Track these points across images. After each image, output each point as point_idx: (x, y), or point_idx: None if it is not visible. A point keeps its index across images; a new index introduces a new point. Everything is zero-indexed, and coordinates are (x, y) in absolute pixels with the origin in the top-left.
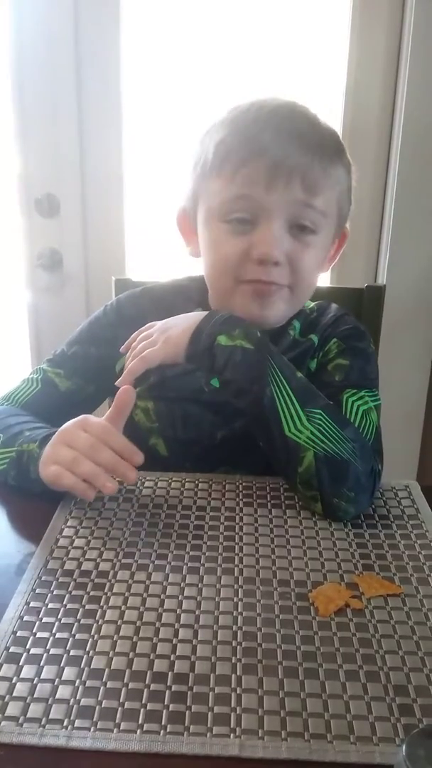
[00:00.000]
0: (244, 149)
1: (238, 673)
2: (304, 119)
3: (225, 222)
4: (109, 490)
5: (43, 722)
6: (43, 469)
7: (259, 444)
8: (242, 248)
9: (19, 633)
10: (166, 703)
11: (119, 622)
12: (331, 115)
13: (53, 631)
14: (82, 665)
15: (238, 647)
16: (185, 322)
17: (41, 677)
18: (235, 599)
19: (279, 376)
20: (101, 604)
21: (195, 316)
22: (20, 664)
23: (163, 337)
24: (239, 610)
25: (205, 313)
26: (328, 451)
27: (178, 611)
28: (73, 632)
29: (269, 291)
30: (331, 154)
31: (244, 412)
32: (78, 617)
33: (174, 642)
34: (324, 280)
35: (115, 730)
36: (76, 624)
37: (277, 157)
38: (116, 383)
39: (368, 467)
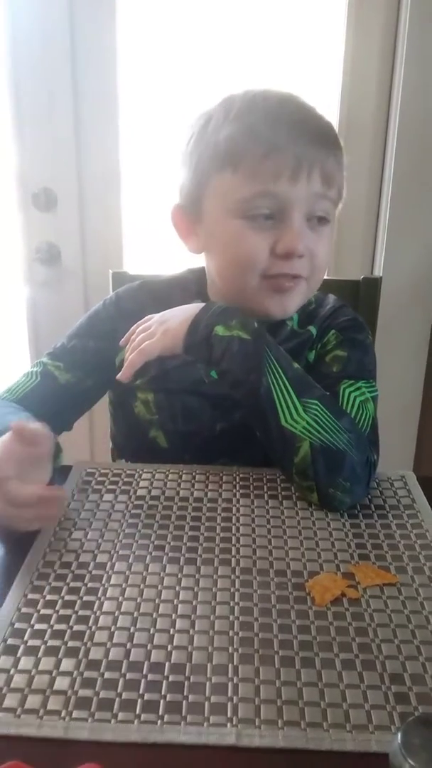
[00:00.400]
0: (262, 145)
1: (234, 663)
2: (309, 112)
3: (244, 218)
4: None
5: (40, 713)
6: None
7: (253, 433)
8: (268, 243)
9: (17, 625)
10: (163, 693)
11: (116, 613)
12: (328, 108)
13: (51, 623)
14: (79, 656)
15: (235, 637)
16: (183, 313)
17: (39, 669)
18: (232, 589)
19: (275, 366)
20: (98, 595)
21: (192, 308)
22: (18, 655)
23: (161, 329)
24: (236, 600)
25: (203, 304)
26: (324, 442)
27: (176, 602)
28: (70, 624)
29: (290, 287)
30: (338, 145)
31: (242, 403)
32: (75, 609)
33: (171, 632)
34: None
35: (113, 721)
36: (73, 615)
37: (299, 151)
38: (117, 377)
39: (364, 457)
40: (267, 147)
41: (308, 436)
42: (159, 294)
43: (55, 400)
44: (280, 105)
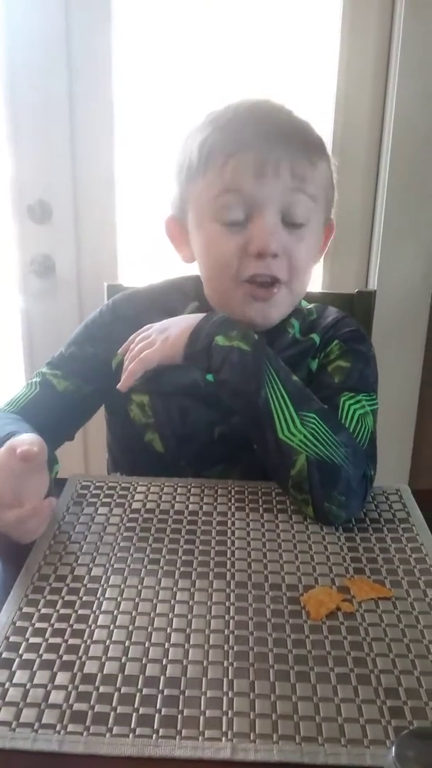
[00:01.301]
0: (228, 144)
1: (230, 677)
2: (282, 114)
3: (218, 222)
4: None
5: (35, 727)
6: None
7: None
8: (239, 245)
9: (11, 638)
10: (158, 707)
11: (112, 627)
12: (322, 119)
13: (46, 637)
14: (74, 670)
15: (230, 651)
16: (184, 322)
17: (34, 682)
18: (227, 603)
19: (274, 378)
20: (94, 609)
21: (193, 317)
22: (13, 669)
23: (161, 338)
24: (231, 614)
25: (204, 314)
26: (320, 455)
27: (171, 615)
28: (65, 637)
29: (269, 293)
30: (314, 145)
31: (240, 414)
32: (70, 622)
33: (166, 646)
34: (315, 285)
35: (108, 735)
36: (68, 629)
37: (264, 149)
38: (117, 387)
39: (360, 472)
40: (233, 146)
41: (305, 450)
42: (156, 298)
43: (55, 410)
44: (252, 108)
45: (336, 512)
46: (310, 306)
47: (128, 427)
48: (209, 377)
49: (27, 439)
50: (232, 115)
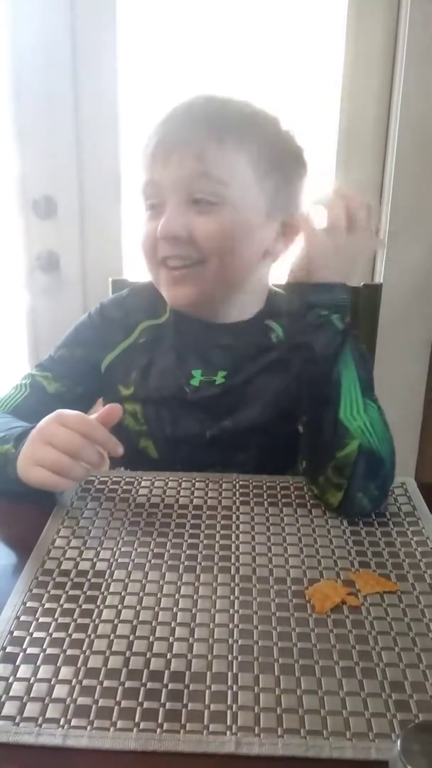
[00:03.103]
0: (152, 137)
1: (234, 671)
2: (208, 102)
3: (145, 208)
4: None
5: (39, 721)
6: (25, 471)
7: (252, 441)
8: (154, 229)
9: (15, 633)
10: (162, 701)
11: (116, 621)
12: (328, 118)
13: (50, 631)
14: (78, 664)
15: (235, 645)
16: None
17: (38, 676)
18: (232, 597)
19: (351, 359)
20: (98, 603)
21: None
22: (17, 663)
23: None
24: (236, 608)
25: None
26: (372, 446)
27: (175, 609)
28: (69, 631)
29: (177, 274)
30: (232, 125)
31: (305, 386)
32: (74, 616)
33: (170, 640)
34: None
35: (112, 729)
36: (72, 623)
37: (172, 135)
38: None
39: (393, 474)
40: (153, 137)
41: (360, 436)
42: (143, 299)
43: (45, 411)
44: (191, 101)
45: (365, 504)
46: None
47: (123, 434)
48: (193, 383)
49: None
50: (169, 112)
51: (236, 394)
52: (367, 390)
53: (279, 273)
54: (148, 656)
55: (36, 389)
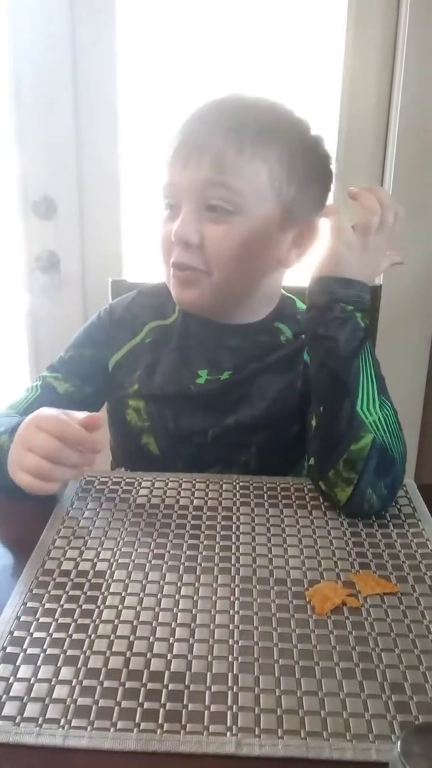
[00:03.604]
0: (175, 139)
1: (234, 672)
2: (233, 104)
3: (164, 207)
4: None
5: (39, 722)
6: (13, 475)
7: (254, 441)
8: (170, 230)
9: (16, 633)
10: (162, 701)
11: (116, 621)
12: (328, 117)
13: (50, 631)
14: (78, 665)
15: (235, 646)
16: None
17: (38, 677)
18: (232, 598)
19: (368, 356)
20: (98, 603)
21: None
22: (17, 664)
23: None
24: (236, 608)
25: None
26: (385, 443)
27: (175, 610)
28: (69, 632)
29: (185, 277)
30: (252, 133)
31: (323, 378)
32: (75, 617)
33: (171, 641)
34: None
35: (112, 729)
36: (72, 624)
37: (196, 139)
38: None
39: (403, 474)
40: (177, 140)
41: (374, 431)
42: (150, 299)
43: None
44: (217, 102)
45: (373, 502)
46: (304, 307)
47: (126, 430)
48: (199, 381)
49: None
50: (195, 111)
51: (240, 392)
52: (384, 390)
53: (294, 275)
54: (148, 657)
55: (46, 390)
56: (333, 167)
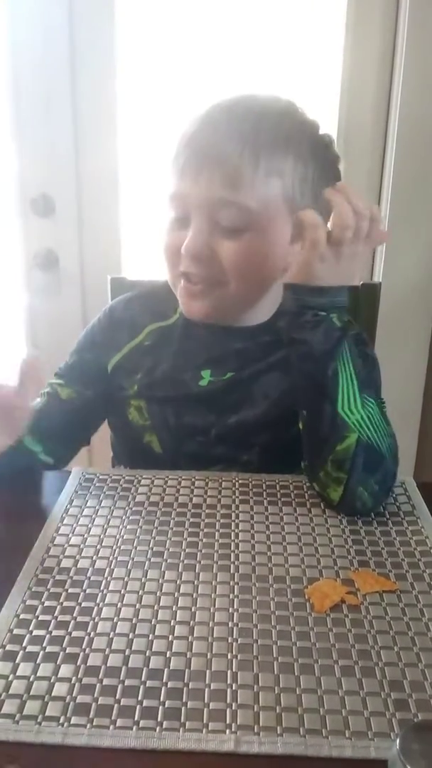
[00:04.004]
0: (184, 148)
1: (233, 669)
2: (245, 109)
3: (171, 214)
4: None
5: (39, 719)
6: None
7: (257, 440)
8: (180, 242)
9: (15, 631)
10: (162, 699)
11: (115, 619)
12: (327, 114)
13: (49, 629)
14: (78, 662)
15: (234, 643)
16: None
17: (38, 674)
18: (231, 596)
19: (347, 355)
20: (97, 601)
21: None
22: (17, 661)
23: None
24: (235, 606)
25: None
26: (371, 440)
27: (174, 608)
28: (69, 629)
29: (195, 289)
30: (267, 144)
31: (302, 379)
32: (74, 615)
33: (170, 639)
34: None
35: (111, 727)
36: (72, 621)
37: (208, 150)
38: None
39: (395, 468)
40: (186, 150)
41: (359, 430)
42: (149, 300)
43: (62, 417)
44: (228, 107)
45: (365, 499)
46: None
47: (128, 428)
48: (202, 383)
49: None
50: (204, 116)
51: (242, 391)
52: (366, 387)
53: None
54: (147, 654)
55: (51, 397)
56: (341, 167)
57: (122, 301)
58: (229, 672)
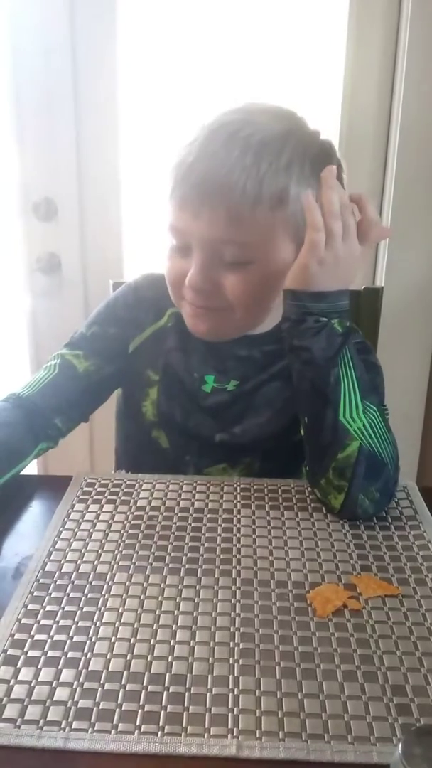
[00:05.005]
0: (181, 180)
1: (235, 674)
2: (244, 131)
3: (170, 243)
4: None
5: (40, 724)
6: None
7: (260, 446)
8: (183, 269)
9: (17, 635)
10: (163, 704)
11: (117, 624)
12: (328, 120)
13: (51, 634)
14: (79, 667)
15: (236, 648)
16: None
17: (39, 679)
18: (233, 600)
19: (350, 361)
20: (99, 606)
21: None
22: (18, 666)
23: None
24: (237, 611)
25: None
26: (373, 448)
27: (176, 613)
28: (70, 634)
29: (200, 311)
30: (270, 174)
31: (303, 387)
32: (76, 619)
33: (172, 643)
34: None
35: (113, 732)
36: (73, 626)
37: (196, 185)
38: None
39: (396, 477)
40: (183, 185)
41: (360, 437)
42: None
43: (74, 391)
44: (225, 131)
45: (366, 507)
46: None
47: (139, 422)
48: (206, 389)
49: None
50: (202, 141)
51: (246, 402)
52: (368, 394)
53: None
54: (149, 659)
55: (65, 368)
56: (345, 176)
57: (146, 278)
58: (230, 677)
